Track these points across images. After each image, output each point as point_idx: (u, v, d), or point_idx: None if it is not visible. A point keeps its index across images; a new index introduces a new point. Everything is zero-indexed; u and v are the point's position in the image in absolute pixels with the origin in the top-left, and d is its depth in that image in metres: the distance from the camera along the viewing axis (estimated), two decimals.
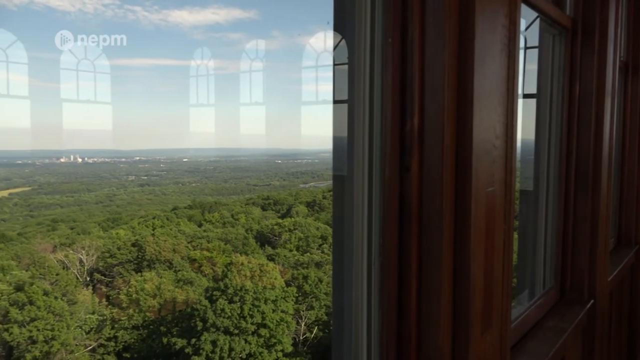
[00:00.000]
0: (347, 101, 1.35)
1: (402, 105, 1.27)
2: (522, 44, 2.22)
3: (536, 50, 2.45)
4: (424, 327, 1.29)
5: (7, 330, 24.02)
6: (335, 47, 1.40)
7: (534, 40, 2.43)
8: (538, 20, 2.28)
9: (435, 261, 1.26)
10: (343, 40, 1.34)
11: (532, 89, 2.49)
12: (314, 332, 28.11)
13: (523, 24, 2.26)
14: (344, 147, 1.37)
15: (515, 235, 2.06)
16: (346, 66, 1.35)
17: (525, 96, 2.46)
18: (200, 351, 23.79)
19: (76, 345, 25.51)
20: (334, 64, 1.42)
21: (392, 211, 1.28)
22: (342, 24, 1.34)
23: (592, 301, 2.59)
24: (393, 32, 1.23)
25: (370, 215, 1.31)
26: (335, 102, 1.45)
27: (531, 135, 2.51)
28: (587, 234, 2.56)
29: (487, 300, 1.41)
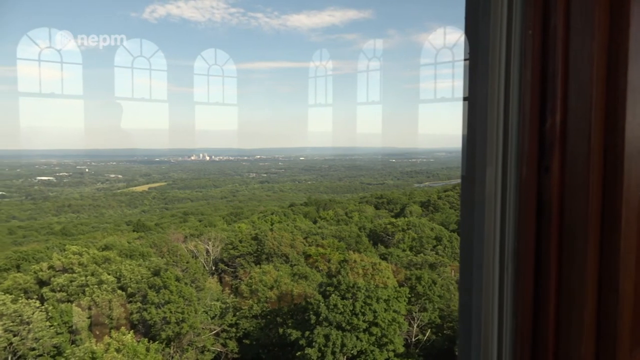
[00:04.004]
0: (479, 98, 1.30)
1: (541, 101, 1.19)
2: None
3: None
4: (563, 337, 1.20)
5: (145, 310, 26.86)
6: (465, 42, 1.36)
7: None
8: None
9: (578, 269, 1.17)
10: (475, 35, 1.30)
11: None
12: (427, 334, 27.49)
13: None
14: (474, 146, 1.32)
15: None
16: (478, 62, 1.30)
17: None
18: (314, 344, 24.46)
19: (202, 328, 27.73)
20: (465, 60, 1.38)
21: (528, 214, 1.21)
22: (475, 18, 1.29)
23: None
24: (534, 24, 1.16)
25: (504, 217, 1.25)
26: (465, 99, 1.40)
27: None
28: None
29: (638, 316, 1.27)
